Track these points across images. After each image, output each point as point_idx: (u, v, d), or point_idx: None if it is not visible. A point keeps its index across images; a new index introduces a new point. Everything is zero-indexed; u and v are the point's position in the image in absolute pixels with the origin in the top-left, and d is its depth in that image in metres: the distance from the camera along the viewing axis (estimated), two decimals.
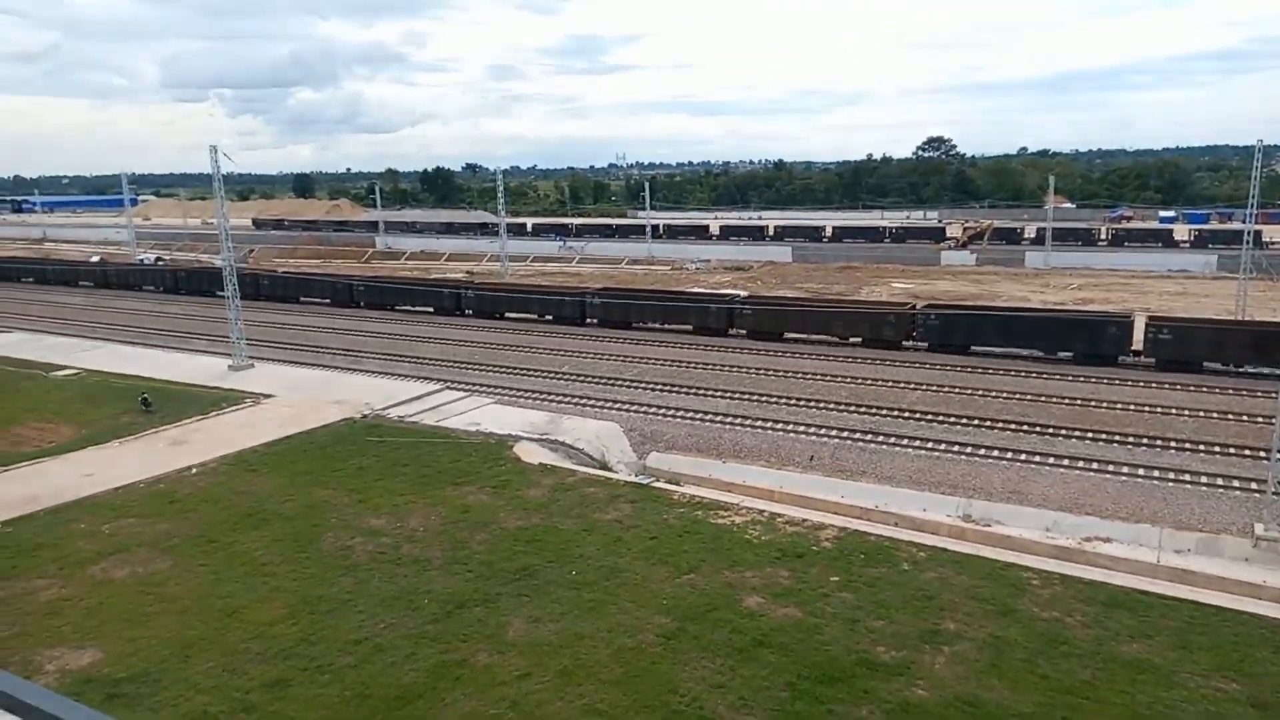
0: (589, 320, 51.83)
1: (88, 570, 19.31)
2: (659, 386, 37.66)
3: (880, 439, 29.96)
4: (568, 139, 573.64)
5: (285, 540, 20.92)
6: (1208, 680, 15.17)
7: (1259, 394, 33.30)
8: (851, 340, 44.30)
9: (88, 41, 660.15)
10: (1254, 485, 24.23)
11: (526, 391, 37.43)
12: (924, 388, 36.21)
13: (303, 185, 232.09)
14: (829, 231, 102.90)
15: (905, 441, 29.61)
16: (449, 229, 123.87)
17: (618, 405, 35.04)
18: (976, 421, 31.40)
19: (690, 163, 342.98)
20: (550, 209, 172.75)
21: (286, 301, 63.58)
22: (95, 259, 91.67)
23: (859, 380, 37.78)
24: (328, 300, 62.82)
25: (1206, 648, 16.25)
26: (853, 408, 33.52)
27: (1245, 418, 30.67)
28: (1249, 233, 49.08)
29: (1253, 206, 47.68)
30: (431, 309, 58.05)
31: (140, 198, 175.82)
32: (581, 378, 39.81)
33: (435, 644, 16.40)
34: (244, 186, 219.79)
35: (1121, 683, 15.11)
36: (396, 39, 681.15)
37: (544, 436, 29.36)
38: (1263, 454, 25.17)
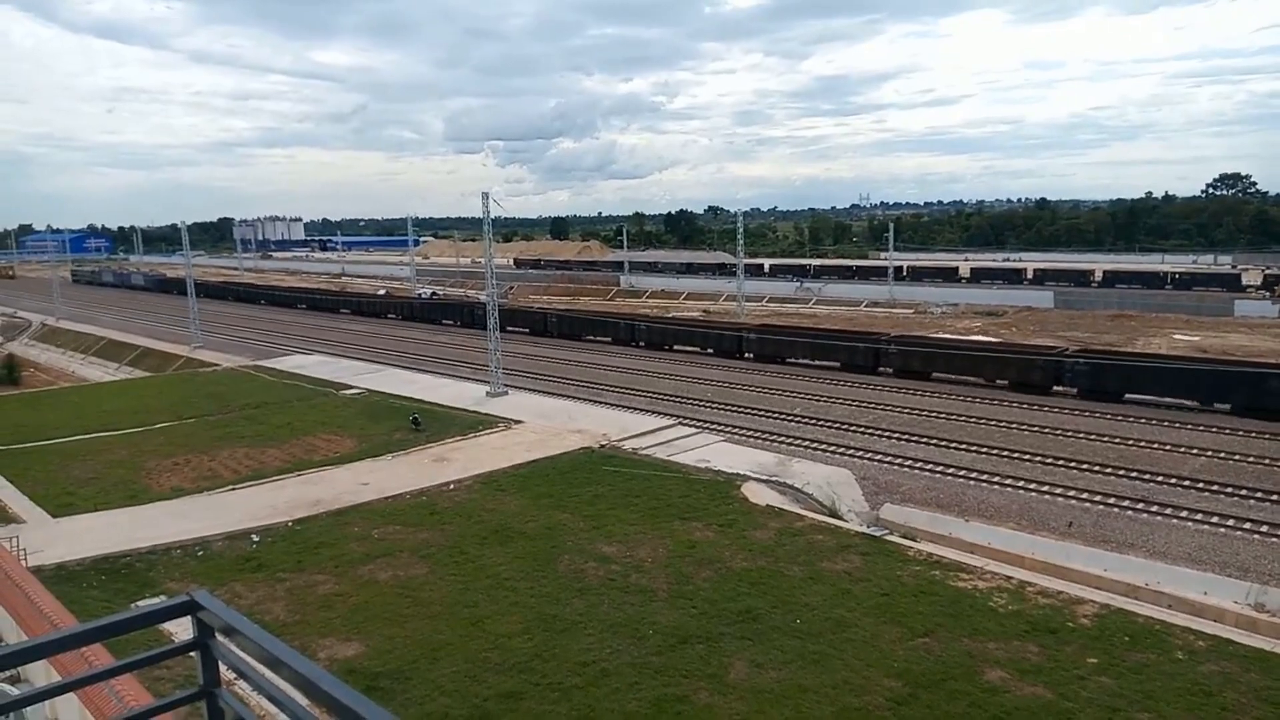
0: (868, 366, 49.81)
1: (358, 570, 21.62)
2: (895, 434, 36.11)
3: (1155, 508, 26.72)
4: (811, 180, 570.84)
5: (526, 558, 22.23)
6: None
7: None
8: (999, 383, 43.89)
9: (389, 102, 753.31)
10: None
11: (758, 431, 37.31)
12: (1209, 453, 31.91)
13: (558, 228, 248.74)
14: (1098, 275, 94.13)
15: (1185, 513, 26.20)
16: (688, 269, 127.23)
17: (849, 450, 33.99)
18: (1276, 496, 27.16)
19: (940, 202, 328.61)
20: (789, 250, 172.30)
21: (572, 339, 66.70)
22: (381, 292, 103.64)
23: (1129, 441, 34.01)
24: (609, 340, 64.81)
25: None
26: (1121, 471, 30.21)
27: None
28: None
29: None
30: (710, 350, 57.67)
31: (421, 238, 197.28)
32: (814, 420, 39.09)
33: (659, 676, 16.63)
34: (508, 229, 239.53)
35: None
36: (649, 89, 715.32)
37: (772, 478, 29.09)
38: None
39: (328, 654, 17.36)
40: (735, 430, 37.28)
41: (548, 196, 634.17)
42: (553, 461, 30.60)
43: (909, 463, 32.31)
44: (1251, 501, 26.98)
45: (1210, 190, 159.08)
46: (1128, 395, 40.30)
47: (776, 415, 40.24)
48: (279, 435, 35.27)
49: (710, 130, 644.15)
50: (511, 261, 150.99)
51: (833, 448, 34.52)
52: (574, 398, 44.57)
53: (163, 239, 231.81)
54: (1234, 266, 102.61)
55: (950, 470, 31.21)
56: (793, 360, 52.55)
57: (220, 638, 2.56)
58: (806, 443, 35.36)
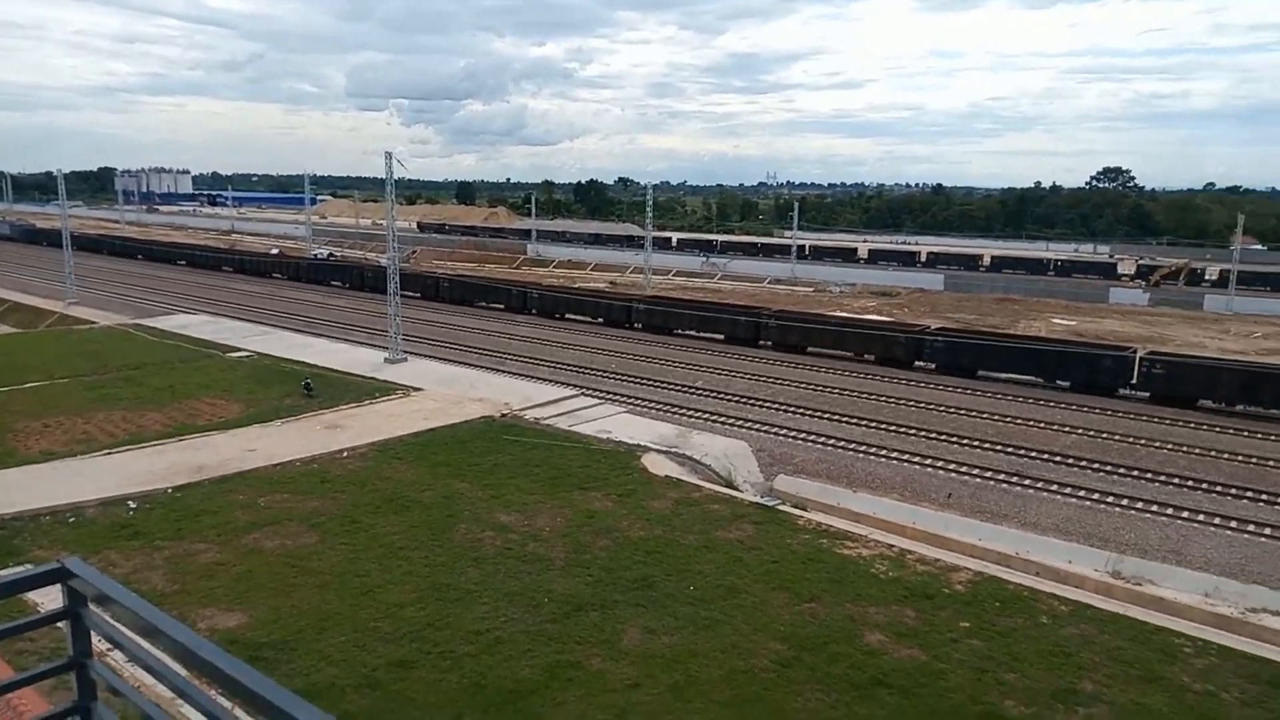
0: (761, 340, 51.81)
1: (242, 539, 20.89)
2: (791, 408, 37.10)
3: (1028, 482, 28.34)
4: (720, 156, 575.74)
5: (421, 527, 21.92)
6: None
7: None
8: (866, 357, 46.79)
9: (288, 53, 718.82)
10: None
11: (659, 403, 37.69)
12: (1079, 431, 34.01)
13: (465, 192, 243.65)
14: (987, 261, 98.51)
15: (1055, 487, 27.89)
16: (596, 239, 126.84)
17: (748, 423, 34.75)
18: (1136, 472, 29.20)
19: (842, 184, 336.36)
20: (697, 225, 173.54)
21: (462, 304, 66.62)
22: (274, 251, 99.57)
23: (1006, 418, 35.91)
24: (502, 306, 65.16)
25: None
26: (998, 447, 31.88)
27: None
28: None
29: None
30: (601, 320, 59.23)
31: (319, 197, 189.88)
32: (715, 393, 39.73)
33: (552, 643, 16.73)
34: (411, 191, 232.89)
35: None
36: (562, 55, 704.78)
37: (672, 449, 29.49)
38: None
39: (208, 624, 16.76)
40: (637, 402, 37.58)
41: (454, 160, 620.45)
42: (452, 430, 30.18)
43: (803, 436, 33.28)
44: (1115, 477, 28.93)
45: (1094, 183, 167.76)
46: (980, 372, 43.33)
47: (678, 388, 40.74)
48: (160, 398, 33.59)
49: (623, 100, 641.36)
50: (415, 225, 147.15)
51: (732, 420, 35.22)
52: (475, 365, 44.01)
53: (36, 187, 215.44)
54: (1111, 256, 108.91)
55: (841, 443, 32.31)
56: (680, 331, 54.28)
57: (93, 607, 2.45)
58: (706, 415, 35.95)
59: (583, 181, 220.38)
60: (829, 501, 27.20)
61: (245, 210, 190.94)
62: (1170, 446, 32.12)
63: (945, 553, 22.57)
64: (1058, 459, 30.60)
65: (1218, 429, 34.46)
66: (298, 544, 20.72)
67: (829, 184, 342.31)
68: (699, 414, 36.13)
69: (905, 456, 30.80)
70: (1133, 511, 25.95)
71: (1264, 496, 26.94)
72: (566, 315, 60.89)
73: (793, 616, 18.25)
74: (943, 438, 33.05)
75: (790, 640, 17.23)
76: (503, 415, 32.32)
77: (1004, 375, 42.80)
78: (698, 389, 40.75)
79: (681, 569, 20.32)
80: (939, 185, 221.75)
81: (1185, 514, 25.59)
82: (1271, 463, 30.36)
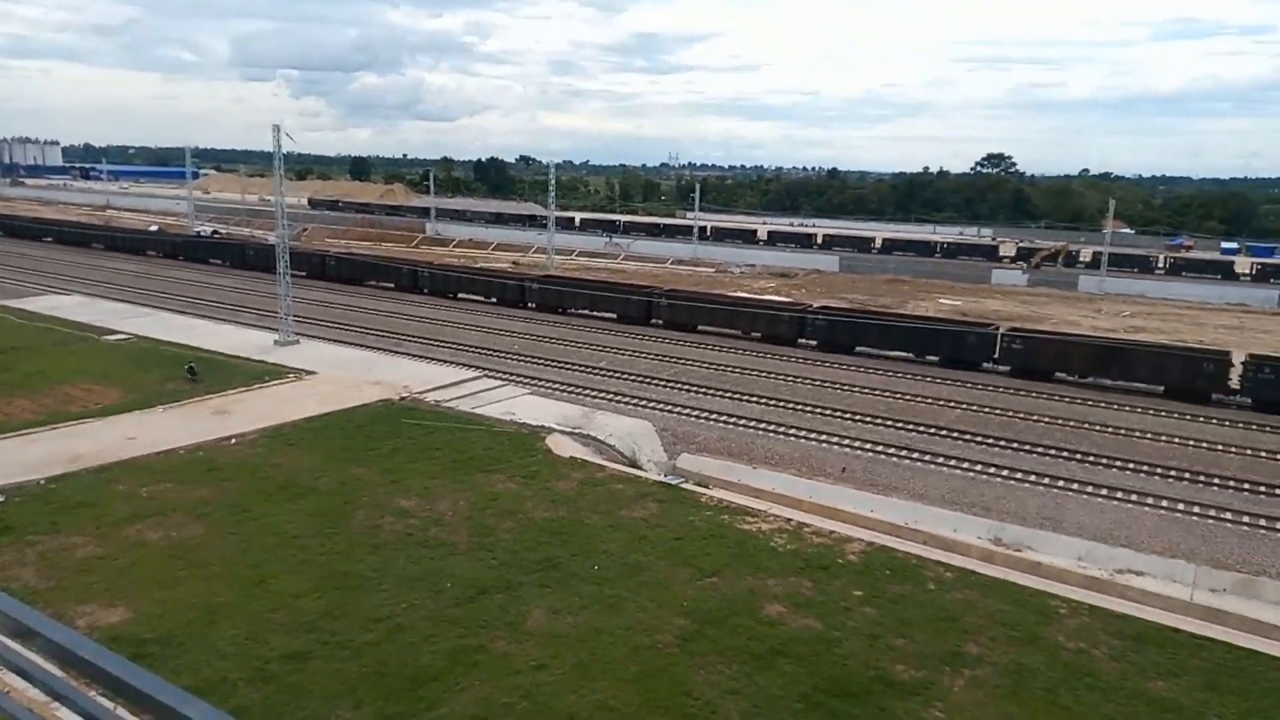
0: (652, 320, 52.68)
1: (123, 531, 19.83)
2: (694, 388, 37.63)
3: (916, 455, 29.59)
4: (623, 136, 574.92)
5: (317, 515, 21.28)
6: None
7: (1244, 425, 32.34)
8: (753, 335, 48.30)
9: (166, 18, 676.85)
10: None
11: (563, 384, 37.59)
12: (963, 407, 35.69)
13: (359, 168, 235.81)
14: (878, 243, 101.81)
15: (941, 460, 29.22)
16: (498, 219, 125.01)
17: (652, 403, 35.06)
18: (1015, 445, 30.88)
19: (742, 166, 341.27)
20: (600, 205, 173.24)
21: (351, 283, 64.61)
22: (154, 228, 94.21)
23: (899, 395, 37.36)
24: (392, 285, 63.67)
25: (1237, 691, 15.78)
26: (889, 422, 33.15)
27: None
28: None
29: None
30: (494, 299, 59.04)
31: (202, 171, 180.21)
32: (617, 373, 39.89)
33: (455, 628, 16.56)
34: (302, 166, 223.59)
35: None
36: (460, 28, 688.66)
37: (576, 430, 29.48)
38: None
39: (87, 621, 15.87)
40: (540, 383, 37.38)
41: (348, 134, 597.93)
42: (349, 414, 29.35)
43: (705, 414, 33.82)
44: (996, 449, 30.52)
45: (978, 168, 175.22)
46: (858, 348, 45.37)
47: (581, 368, 40.72)
48: (30, 384, 31.43)
49: (524, 77, 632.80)
50: (305, 201, 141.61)
51: (635, 400, 35.45)
52: (370, 347, 42.86)
53: None
54: (994, 239, 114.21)
55: (742, 421, 32.99)
56: (573, 311, 54.71)
57: None
58: (610, 395, 36.08)
59: (483, 159, 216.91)
60: (730, 478, 27.76)
61: (123, 184, 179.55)
62: (1046, 420, 34.07)
63: (840, 525, 23.39)
64: (943, 433, 32.05)
65: (1089, 403, 36.73)
66: (184, 535, 19.82)
67: (730, 166, 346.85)
68: (603, 394, 36.24)
69: (803, 433, 31.69)
70: (1012, 482, 27.45)
71: (1130, 466, 28.92)
72: (459, 295, 60.21)
73: (695, 591, 18.60)
74: (838, 414, 34.14)
75: (693, 615, 17.56)
76: (402, 398, 31.61)
77: (879, 352, 45.08)
78: (601, 369, 40.84)
79: (586, 549, 20.40)
80: (834, 169, 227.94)
81: (1060, 483, 27.24)
82: (1137, 433, 32.60)
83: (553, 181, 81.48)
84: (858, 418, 33.73)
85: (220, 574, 18.08)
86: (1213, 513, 25.06)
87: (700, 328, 49.98)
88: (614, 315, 53.15)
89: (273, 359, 36.49)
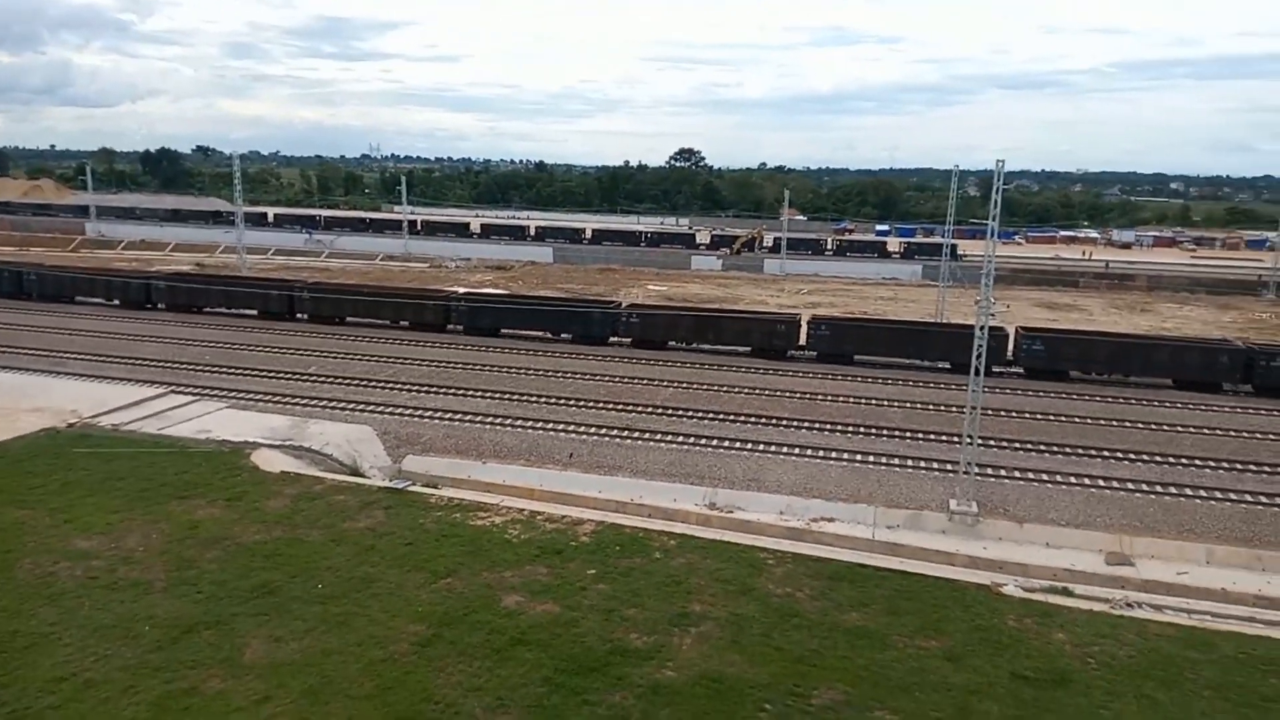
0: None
1: None
2: (415, 387, 36.55)
3: (636, 434, 31.01)
4: (317, 125, 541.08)
5: None
6: (913, 640, 17.21)
7: (902, 382, 38.48)
8: (401, 324, 48.96)
9: None
10: (949, 467, 27.75)
11: (268, 394, 34.78)
12: (674, 385, 37.98)
13: None
14: (589, 234, 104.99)
15: (659, 436, 30.88)
16: (175, 216, 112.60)
17: (371, 406, 33.54)
18: (722, 416, 33.44)
19: (450, 158, 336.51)
20: (295, 199, 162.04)
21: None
22: None
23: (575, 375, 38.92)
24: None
25: (912, 612, 18.43)
26: (611, 405, 34.45)
27: (902, 404, 35.10)
28: (947, 246, 56.53)
29: (950, 224, 54.69)
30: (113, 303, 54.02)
31: None
32: (331, 379, 37.68)
33: (158, 674, 14.86)
34: None
35: (843, 648, 16.75)
36: (115, 3, 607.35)
37: (287, 442, 27.53)
38: (955, 438, 28.85)
39: None
40: (241, 395, 34.30)
41: None
42: (1, 449, 25.08)
43: (428, 413, 32.98)
44: (706, 421, 32.83)
45: (672, 162, 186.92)
46: (503, 330, 47.49)
47: (288, 375, 37.95)
48: None
49: (196, 60, 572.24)
50: None
51: (352, 405, 33.72)
52: (22, 369, 36.83)
53: None
54: (690, 228, 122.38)
55: (467, 417, 32.60)
56: (209, 310, 52.68)
57: None
58: (325, 402, 33.99)
59: (152, 150, 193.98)
60: (460, 475, 27.39)
61: None
62: (745, 391, 37.26)
63: (571, 508, 24.01)
64: (659, 411, 33.93)
65: (787, 374, 40.69)
66: None
67: (436, 158, 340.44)
68: (316, 401, 34.04)
69: (529, 423, 32.00)
70: (721, 450, 29.73)
71: (816, 425, 32.48)
72: (76, 299, 54.83)
73: (430, 595, 18.19)
74: (562, 401, 34.89)
75: (429, 619, 17.17)
76: (70, 425, 27.59)
77: (520, 332, 47.39)
78: (303, 375, 38.30)
79: (308, 568, 19.18)
80: (541, 162, 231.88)
81: (760, 447, 29.95)
82: (819, 396, 36.66)
83: (238, 173, 74.39)
84: (582, 403, 34.68)
85: None
86: (884, 460, 28.90)
87: (349, 319, 49.67)
88: (255, 312, 51.29)
89: None
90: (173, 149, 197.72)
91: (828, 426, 32.42)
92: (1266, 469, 28.64)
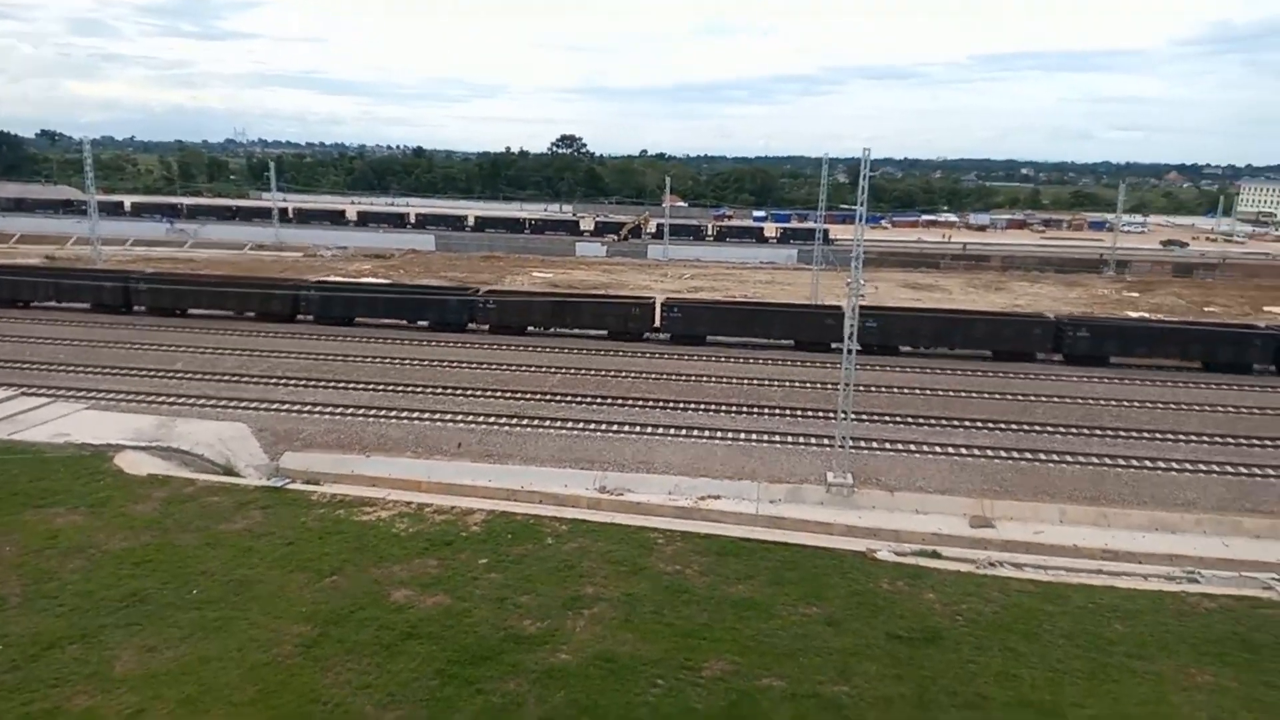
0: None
1: None
2: (294, 381, 35.22)
3: (525, 422, 30.89)
4: (177, 108, 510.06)
5: None
6: (796, 608, 17.96)
7: (755, 360, 40.05)
8: (246, 314, 47.53)
9: None
10: (826, 441, 28.92)
11: (132, 393, 32.81)
12: (563, 371, 38.01)
13: None
14: (472, 221, 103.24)
15: (548, 423, 30.87)
16: (19, 206, 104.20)
17: (245, 403, 32.13)
18: (611, 399, 33.71)
19: (322, 143, 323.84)
20: (155, 186, 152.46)
21: None
22: None
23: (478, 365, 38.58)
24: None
25: (795, 581, 19.21)
26: (498, 393, 34.17)
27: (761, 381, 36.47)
28: (820, 231, 58.58)
29: (822, 209, 56.64)
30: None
31: None
32: (201, 375, 35.85)
33: (15, 695, 13.96)
34: None
35: (731, 620, 17.33)
36: None
37: (153, 443, 26.16)
38: (830, 414, 30.07)
39: None
40: (101, 395, 32.23)
41: None
42: None
43: (308, 408, 31.88)
44: (594, 406, 33.03)
45: (554, 149, 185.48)
46: (356, 319, 46.64)
47: (152, 373, 35.89)
48: None
49: (35, 36, 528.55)
50: None
51: (225, 401, 32.21)
52: None
53: None
54: (575, 214, 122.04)
55: (350, 410, 31.70)
56: (37, 305, 49.20)
57: None
58: (194, 400, 32.33)
59: None
60: (342, 471, 26.66)
61: None
62: (633, 375, 37.66)
63: (461, 499, 23.78)
64: (550, 398, 33.90)
65: (666, 357, 41.30)
66: None
67: (308, 143, 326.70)
68: (184, 399, 32.33)
69: (414, 414, 31.39)
70: (611, 433, 30.01)
71: (702, 406, 33.18)
72: None
73: (315, 595, 17.72)
74: (448, 391, 34.36)
75: (314, 619, 16.75)
76: None
77: (376, 321, 46.74)
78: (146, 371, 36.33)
79: (181, 574, 18.35)
80: (420, 148, 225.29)
81: (649, 429, 30.39)
82: (704, 378, 37.44)
83: (89, 159, 69.44)
84: (470, 392, 34.26)
85: None
86: (765, 438, 29.84)
87: (191, 311, 48.00)
88: (88, 304, 48.44)
89: None
90: (13, 133, 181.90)
91: (712, 406, 33.16)
92: (1110, 433, 31.13)
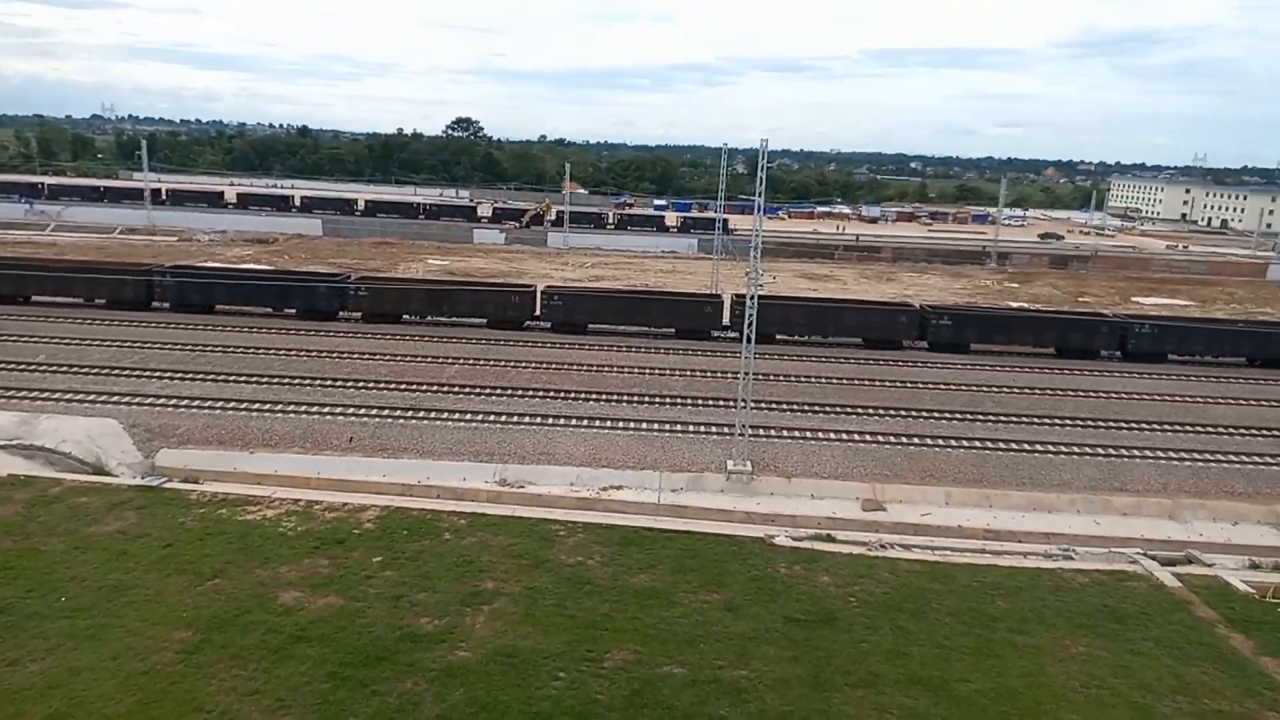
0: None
1: None
2: (169, 374, 33.28)
3: (423, 414, 30.12)
4: (35, 80, 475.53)
5: None
6: (697, 595, 18.13)
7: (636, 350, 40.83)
8: (96, 301, 45.37)
9: None
10: (726, 430, 29.33)
11: None
12: (460, 361, 37.26)
13: None
14: (362, 205, 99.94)
15: (446, 415, 30.19)
16: None
17: (115, 397, 30.18)
18: (510, 391, 33.24)
19: (198, 121, 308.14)
20: (12, 164, 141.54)
21: None
22: None
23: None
24: None
25: (696, 569, 19.39)
26: (394, 384, 33.21)
27: (696, 373, 36.95)
28: (720, 221, 59.31)
29: (721, 199, 57.34)
30: None
31: None
32: (66, 368, 33.46)
33: None
34: None
35: (633, 610, 17.35)
36: None
37: (14, 441, 24.30)
38: (731, 403, 30.51)
39: None
40: None
41: None
42: None
43: (184, 402, 30.20)
44: (494, 397, 32.49)
45: (450, 131, 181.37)
46: (218, 306, 45.06)
47: (10, 365, 33.29)
48: None
49: None
50: None
51: (94, 396, 30.16)
52: None
53: None
54: (472, 200, 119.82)
55: (231, 404, 30.19)
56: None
57: None
58: (59, 394, 30.15)
59: None
60: (224, 468, 25.40)
61: None
62: (534, 365, 37.25)
63: (353, 495, 22.98)
64: (445, 389, 33.17)
65: (567, 347, 41.02)
66: None
67: (181, 120, 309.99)
68: (47, 394, 30.10)
69: (302, 407, 30.16)
70: (510, 425, 29.60)
71: (603, 397, 33.11)
72: None
73: (196, 599, 16.81)
74: (338, 383, 33.17)
75: (195, 624, 15.88)
76: None
77: (238, 308, 45.15)
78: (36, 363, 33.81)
79: (47, 580, 17.11)
80: (305, 127, 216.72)
81: (550, 420, 30.12)
82: (604, 368, 37.37)
83: None
84: (362, 384, 33.17)
85: None
86: (668, 427, 30.03)
87: (35, 298, 45.23)
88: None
89: None
90: None
91: (614, 397, 33.14)
92: (991, 418, 32.71)
